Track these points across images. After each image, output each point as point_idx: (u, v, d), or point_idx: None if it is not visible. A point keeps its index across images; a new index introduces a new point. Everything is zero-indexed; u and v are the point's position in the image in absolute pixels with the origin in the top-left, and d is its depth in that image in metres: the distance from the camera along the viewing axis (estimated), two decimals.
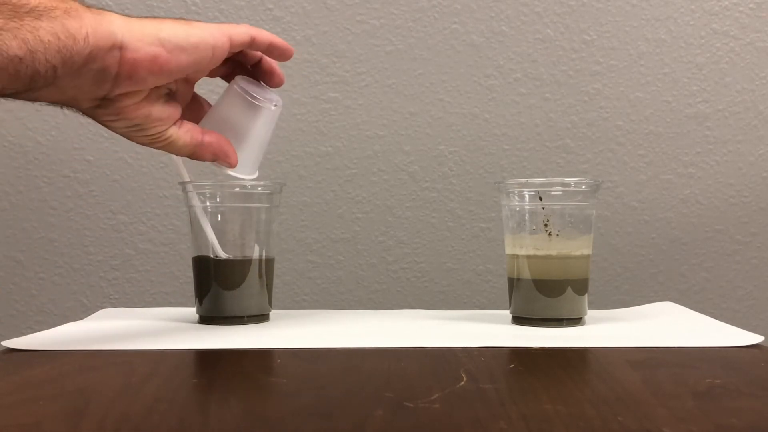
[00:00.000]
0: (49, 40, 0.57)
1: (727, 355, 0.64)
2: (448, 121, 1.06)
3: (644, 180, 1.07)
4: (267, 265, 0.81)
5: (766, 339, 0.68)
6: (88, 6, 0.60)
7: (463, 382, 0.53)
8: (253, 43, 0.69)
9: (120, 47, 0.60)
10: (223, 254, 0.78)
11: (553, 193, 0.77)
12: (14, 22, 0.55)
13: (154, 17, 0.64)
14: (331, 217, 1.06)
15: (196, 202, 0.79)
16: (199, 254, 0.80)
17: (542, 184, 0.77)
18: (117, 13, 0.62)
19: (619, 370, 0.58)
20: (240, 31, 0.68)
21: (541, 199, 0.76)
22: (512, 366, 0.61)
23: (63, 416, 0.47)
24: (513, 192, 0.78)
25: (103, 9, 0.61)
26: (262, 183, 0.81)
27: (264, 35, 0.70)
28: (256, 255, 0.80)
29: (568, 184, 0.77)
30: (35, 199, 1.05)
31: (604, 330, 0.75)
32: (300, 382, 0.56)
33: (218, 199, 0.80)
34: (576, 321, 0.77)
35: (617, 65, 1.06)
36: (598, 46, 1.06)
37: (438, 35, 1.05)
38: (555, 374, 0.58)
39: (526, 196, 0.77)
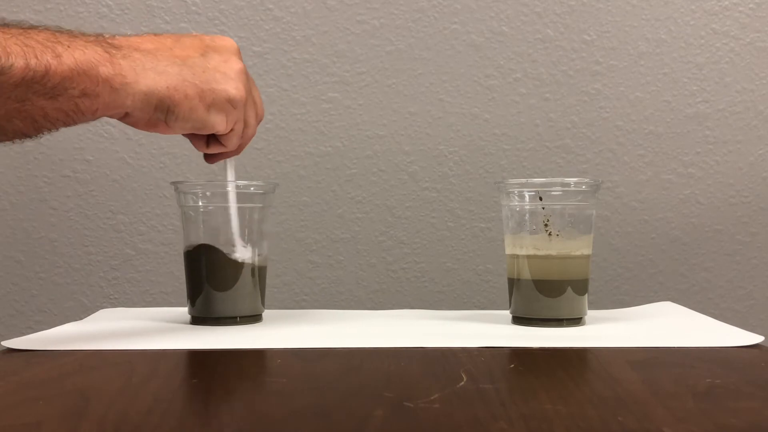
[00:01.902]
0: (56, 117, 0.60)
1: (727, 355, 0.64)
2: (448, 121, 1.06)
3: (644, 180, 1.07)
4: (260, 266, 0.80)
5: (766, 339, 0.68)
6: (118, 65, 0.61)
7: (463, 382, 0.53)
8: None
9: (126, 113, 0.64)
10: (242, 255, 0.78)
11: (553, 193, 0.77)
12: (27, 103, 0.58)
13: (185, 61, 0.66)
14: (331, 217, 1.06)
15: (232, 197, 0.78)
16: (191, 254, 0.79)
17: (542, 184, 0.77)
18: (150, 64, 0.63)
19: (619, 370, 0.58)
20: (249, 134, 0.73)
21: (541, 199, 0.76)
22: (512, 366, 0.61)
23: (63, 416, 0.47)
24: (513, 192, 0.78)
25: (135, 67, 0.62)
26: (255, 183, 0.81)
27: (245, 142, 0.74)
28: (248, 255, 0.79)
29: (568, 184, 0.77)
30: (35, 199, 1.05)
31: (604, 330, 0.75)
32: (300, 382, 0.56)
33: (210, 199, 0.79)
34: (576, 321, 0.77)
35: (617, 65, 1.06)
36: (598, 46, 1.06)
37: (438, 35, 1.05)
38: (555, 374, 0.58)
39: (526, 196, 0.77)
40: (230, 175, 0.78)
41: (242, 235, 0.78)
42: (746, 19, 1.06)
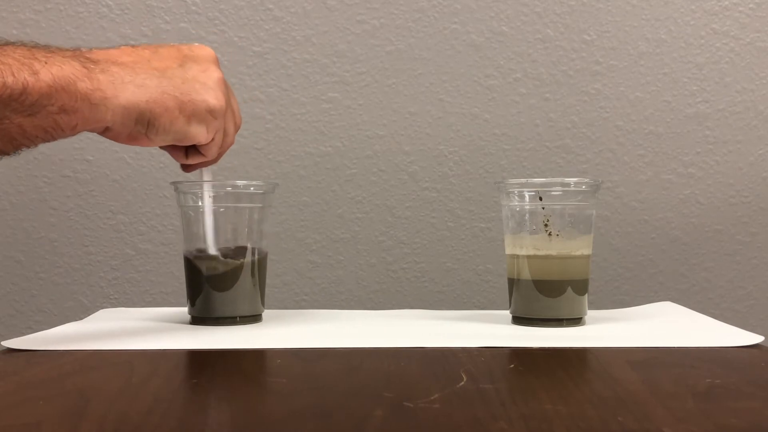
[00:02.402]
0: (35, 135, 0.59)
1: (727, 355, 0.64)
2: (448, 121, 1.06)
3: (644, 180, 1.07)
4: (260, 266, 0.80)
5: (766, 339, 0.68)
6: (97, 80, 0.61)
7: (463, 382, 0.53)
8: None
9: (106, 128, 0.64)
10: (213, 251, 0.78)
11: (553, 193, 0.77)
12: (5, 121, 0.57)
13: (165, 73, 0.66)
14: (331, 217, 1.06)
15: (207, 198, 0.78)
16: (191, 255, 0.79)
17: (542, 184, 0.77)
18: (129, 78, 0.63)
19: (619, 370, 0.58)
20: (227, 143, 0.73)
21: (541, 199, 0.76)
22: (512, 366, 0.61)
23: (63, 416, 0.47)
24: (513, 192, 0.78)
25: (114, 81, 0.62)
26: (255, 183, 0.80)
27: (223, 151, 0.74)
28: (248, 255, 0.79)
29: (568, 184, 0.77)
30: (35, 199, 1.05)
31: (604, 330, 0.75)
32: (300, 382, 0.56)
33: (210, 199, 0.79)
34: (576, 321, 0.77)
35: (617, 65, 1.06)
36: (598, 46, 1.06)
37: (438, 35, 1.05)
38: (555, 374, 0.58)
39: (526, 196, 0.77)
40: (206, 176, 0.78)
41: (216, 239, 0.78)
42: (746, 19, 1.06)
